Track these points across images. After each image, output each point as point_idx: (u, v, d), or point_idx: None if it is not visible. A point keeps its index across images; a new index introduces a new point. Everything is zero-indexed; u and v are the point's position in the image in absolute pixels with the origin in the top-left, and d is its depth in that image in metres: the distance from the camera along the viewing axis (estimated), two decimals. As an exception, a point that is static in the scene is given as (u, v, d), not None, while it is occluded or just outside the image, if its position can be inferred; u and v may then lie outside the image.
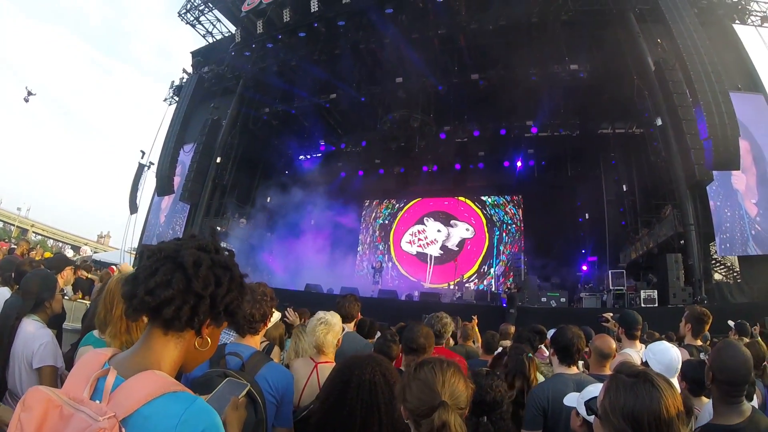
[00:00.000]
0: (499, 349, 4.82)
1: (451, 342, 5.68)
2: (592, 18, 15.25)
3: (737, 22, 15.12)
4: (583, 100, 18.16)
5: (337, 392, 1.98)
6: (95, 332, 2.53)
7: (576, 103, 18.61)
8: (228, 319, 1.27)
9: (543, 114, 19.32)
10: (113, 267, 13.89)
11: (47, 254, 10.53)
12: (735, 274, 13.49)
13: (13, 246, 9.98)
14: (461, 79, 18.36)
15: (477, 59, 17.58)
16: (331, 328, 3.13)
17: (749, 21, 15.20)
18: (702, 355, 3.75)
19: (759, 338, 5.59)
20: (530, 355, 3.44)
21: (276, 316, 3.51)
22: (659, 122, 13.67)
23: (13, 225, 48.71)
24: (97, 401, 1.04)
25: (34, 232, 50.13)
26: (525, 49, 16.47)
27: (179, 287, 1.14)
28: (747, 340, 5.27)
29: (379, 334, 5.24)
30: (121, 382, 1.08)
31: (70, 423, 1.00)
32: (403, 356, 3.32)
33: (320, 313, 3.27)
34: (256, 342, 2.57)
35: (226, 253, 1.30)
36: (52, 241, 53.72)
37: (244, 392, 1.74)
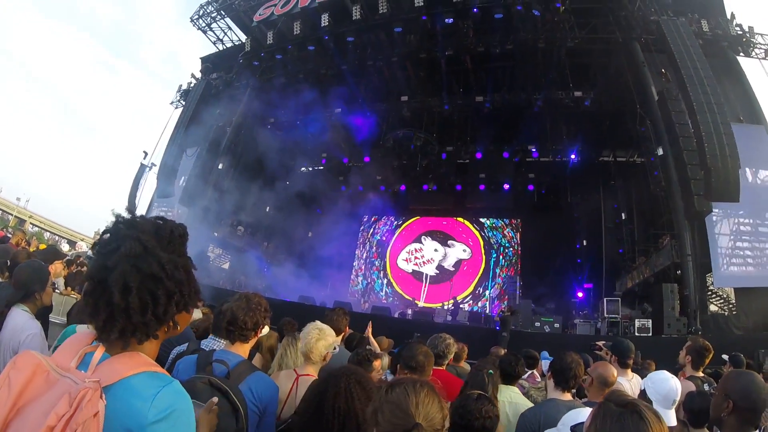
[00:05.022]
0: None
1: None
2: (597, 46, 15.46)
3: (741, 54, 15.29)
4: (586, 126, 18.36)
5: (314, 404, 1.99)
6: (78, 327, 2.47)
7: (578, 130, 18.83)
8: (187, 310, 1.26)
9: (545, 139, 19.46)
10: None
11: (42, 246, 10.52)
12: (731, 305, 13.48)
13: (8, 235, 9.96)
14: (466, 101, 18.58)
15: (482, 82, 17.79)
16: (323, 335, 3.09)
17: (753, 54, 15.41)
18: (706, 386, 3.72)
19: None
20: (491, 372, 3.32)
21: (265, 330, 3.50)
22: (660, 152, 13.72)
23: (12, 214, 48.30)
24: (83, 372, 1.10)
25: (31, 223, 49.81)
26: (530, 74, 16.70)
27: (120, 320, 1.13)
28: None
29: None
30: (106, 358, 1.15)
31: (55, 387, 1.06)
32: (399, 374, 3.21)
33: (317, 322, 3.27)
34: (245, 350, 2.55)
35: (170, 228, 1.26)
36: (49, 233, 53.46)
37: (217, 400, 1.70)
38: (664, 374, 2.94)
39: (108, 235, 1.21)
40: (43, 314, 3.39)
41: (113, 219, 1.26)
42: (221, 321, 2.52)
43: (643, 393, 2.87)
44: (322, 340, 3.07)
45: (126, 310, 1.12)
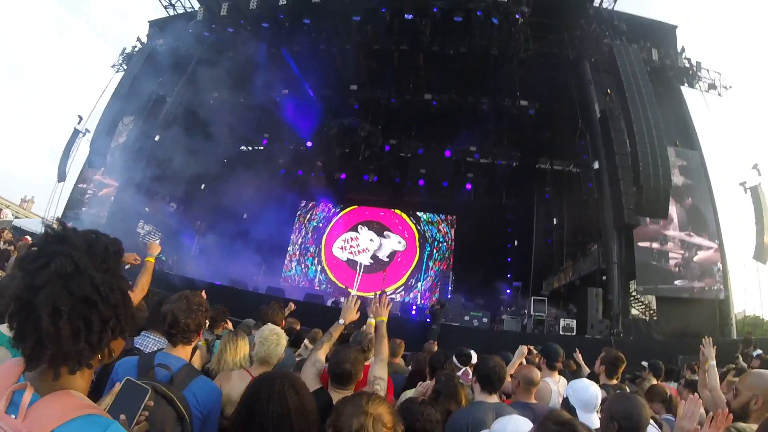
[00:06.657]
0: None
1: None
2: (548, 60, 16.03)
3: (686, 84, 16.35)
4: (527, 134, 18.99)
5: (247, 406, 2.02)
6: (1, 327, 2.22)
7: (519, 136, 19.42)
8: (123, 336, 1.18)
9: (487, 141, 19.96)
10: (27, 237, 13.03)
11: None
12: (652, 311, 14.35)
13: None
14: (414, 97, 18.78)
15: (433, 80, 18.03)
16: (280, 339, 3.24)
17: (697, 86, 16.46)
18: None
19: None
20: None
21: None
22: (596, 165, 14.47)
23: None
24: (13, 416, 1.01)
25: (-49, 189, 46.13)
26: (480, 79, 17.10)
27: (49, 347, 1.04)
28: (657, 381, 5.60)
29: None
30: (37, 399, 1.05)
31: None
32: (330, 384, 3.13)
33: (271, 325, 3.39)
34: (187, 353, 2.51)
35: (105, 245, 1.15)
36: (-30, 201, 49.71)
37: (147, 397, 1.59)
38: (584, 382, 3.18)
39: (36, 249, 1.10)
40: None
41: (43, 231, 1.14)
42: (162, 324, 2.49)
43: (566, 401, 3.08)
44: (280, 345, 3.20)
45: (56, 336, 1.02)
